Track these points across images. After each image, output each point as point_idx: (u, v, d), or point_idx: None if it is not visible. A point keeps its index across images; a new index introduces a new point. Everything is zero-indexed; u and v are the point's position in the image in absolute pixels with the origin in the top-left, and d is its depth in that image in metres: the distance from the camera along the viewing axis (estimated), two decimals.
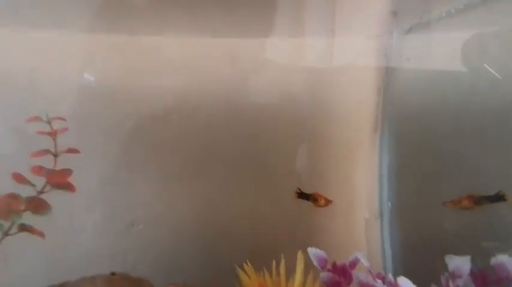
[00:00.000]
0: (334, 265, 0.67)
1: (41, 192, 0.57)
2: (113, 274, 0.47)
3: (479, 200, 0.63)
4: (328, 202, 0.72)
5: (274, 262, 0.57)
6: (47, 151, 0.58)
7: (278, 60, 0.81)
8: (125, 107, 0.77)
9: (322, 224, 0.81)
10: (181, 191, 0.79)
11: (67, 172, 0.60)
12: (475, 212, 0.66)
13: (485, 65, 0.64)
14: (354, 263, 0.66)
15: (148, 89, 0.78)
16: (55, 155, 0.59)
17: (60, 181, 0.58)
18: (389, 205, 0.76)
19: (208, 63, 0.80)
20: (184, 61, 0.79)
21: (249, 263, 0.54)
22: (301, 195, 0.75)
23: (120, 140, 0.77)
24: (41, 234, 0.57)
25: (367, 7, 0.70)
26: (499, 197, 0.61)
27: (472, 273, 0.60)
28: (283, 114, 0.82)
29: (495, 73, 0.62)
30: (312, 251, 0.68)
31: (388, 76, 0.79)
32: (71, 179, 0.60)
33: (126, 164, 0.77)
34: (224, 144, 0.81)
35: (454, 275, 0.61)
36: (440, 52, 0.67)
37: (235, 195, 0.81)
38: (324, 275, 0.64)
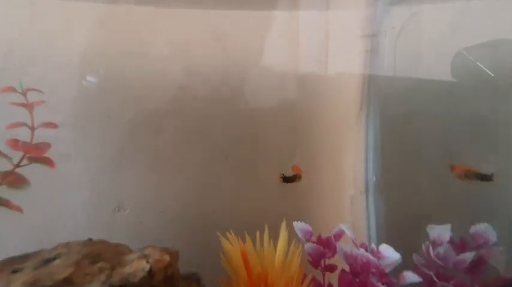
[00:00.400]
0: (319, 237, 0.67)
1: (18, 165, 0.55)
2: (90, 239, 0.46)
3: (472, 175, 0.65)
4: (300, 172, 0.72)
5: (258, 233, 0.57)
6: (22, 124, 0.56)
7: (271, 37, 0.79)
8: (113, 89, 0.74)
9: (310, 206, 0.81)
10: (169, 176, 0.78)
11: (45, 145, 0.58)
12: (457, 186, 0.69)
13: (468, 55, 0.65)
14: (339, 235, 0.66)
15: (136, 70, 0.75)
16: (32, 128, 0.57)
17: (37, 154, 0.56)
18: (374, 178, 0.77)
19: (196, 41, 0.77)
20: (175, 40, 0.76)
21: (232, 233, 0.54)
22: (286, 179, 0.75)
23: (108, 123, 0.75)
24: (19, 209, 0.55)
25: None
26: (489, 177, 0.63)
27: (452, 241, 0.62)
28: (272, 101, 0.81)
29: (487, 71, 0.64)
30: (297, 224, 0.68)
31: (373, 57, 0.79)
32: (48, 154, 0.59)
33: (113, 147, 0.75)
34: (213, 129, 0.79)
35: (434, 243, 0.62)
36: (426, 23, 0.68)
37: (223, 180, 0.80)
38: (309, 246, 0.65)
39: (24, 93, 0.56)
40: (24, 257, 0.38)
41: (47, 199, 0.72)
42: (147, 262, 0.36)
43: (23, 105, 0.55)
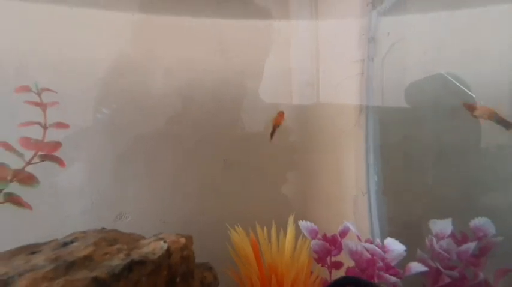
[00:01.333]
0: (324, 235, 0.68)
1: (29, 163, 0.56)
2: (103, 228, 0.46)
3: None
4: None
5: (265, 228, 0.57)
6: (35, 122, 0.57)
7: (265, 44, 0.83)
8: (117, 99, 0.76)
9: (313, 208, 0.82)
10: (173, 185, 0.78)
11: (56, 144, 0.59)
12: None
13: (446, 74, 0.70)
14: (344, 232, 0.67)
15: (140, 81, 0.76)
16: (44, 127, 0.58)
17: (48, 152, 0.57)
18: (376, 178, 0.78)
19: (200, 55, 0.80)
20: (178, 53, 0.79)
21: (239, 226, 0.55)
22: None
23: (112, 132, 0.76)
24: (29, 206, 0.56)
25: None
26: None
27: (453, 235, 0.64)
28: (273, 110, 0.83)
29: (468, 91, 0.69)
30: (303, 223, 0.69)
31: (369, 60, 0.82)
32: (59, 153, 0.60)
33: (116, 156, 0.76)
34: (217, 139, 0.80)
35: (438, 237, 0.64)
36: (416, 29, 0.73)
37: (227, 188, 0.80)
38: (315, 243, 0.65)
39: (39, 94, 0.58)
40: (38, 245, 0.38)
41: (47, 207, 0.72)
42: (165, 242, 0.37)
43: (36, 104, 0.57)
